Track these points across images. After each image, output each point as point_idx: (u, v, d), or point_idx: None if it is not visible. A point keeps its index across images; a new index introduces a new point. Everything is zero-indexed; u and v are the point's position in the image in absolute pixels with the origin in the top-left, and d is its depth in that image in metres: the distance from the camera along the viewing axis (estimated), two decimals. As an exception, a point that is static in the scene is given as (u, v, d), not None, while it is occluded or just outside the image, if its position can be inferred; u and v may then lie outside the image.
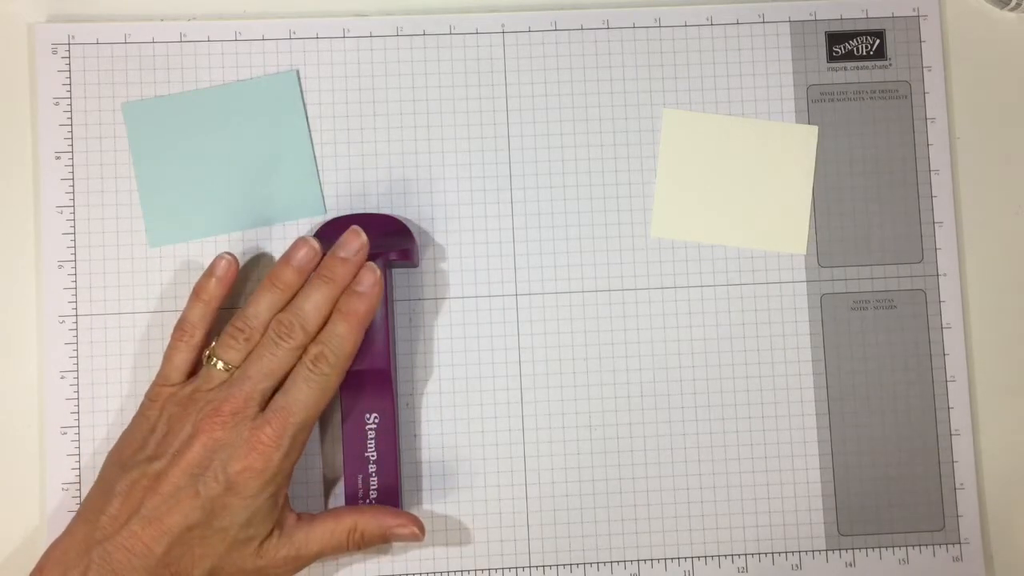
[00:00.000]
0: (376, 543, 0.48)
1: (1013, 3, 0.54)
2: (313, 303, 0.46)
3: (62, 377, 0.51)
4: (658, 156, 0.53)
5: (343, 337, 0.46)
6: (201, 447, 0.44)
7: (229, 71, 0.52)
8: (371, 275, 0.47)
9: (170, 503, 0.44)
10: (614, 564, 0.51)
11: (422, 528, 0.48)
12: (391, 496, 0.49)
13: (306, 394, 0.45)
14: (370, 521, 0.47)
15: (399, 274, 0.52)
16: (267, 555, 0.46)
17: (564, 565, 0.51)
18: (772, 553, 0.52)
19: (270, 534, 0.46)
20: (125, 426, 0.47)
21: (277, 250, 0.52)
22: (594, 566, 0.51)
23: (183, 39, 0.52)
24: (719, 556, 0.52)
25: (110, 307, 0.51)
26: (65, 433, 0.50)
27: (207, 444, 0.44)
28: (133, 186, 0.52)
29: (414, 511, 0.51)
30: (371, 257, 0.48)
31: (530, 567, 0.51)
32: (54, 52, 0.52)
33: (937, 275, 0.53)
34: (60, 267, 0.51)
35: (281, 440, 0.45)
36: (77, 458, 0.50)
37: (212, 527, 0.44)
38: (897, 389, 0.53)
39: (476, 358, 0.52)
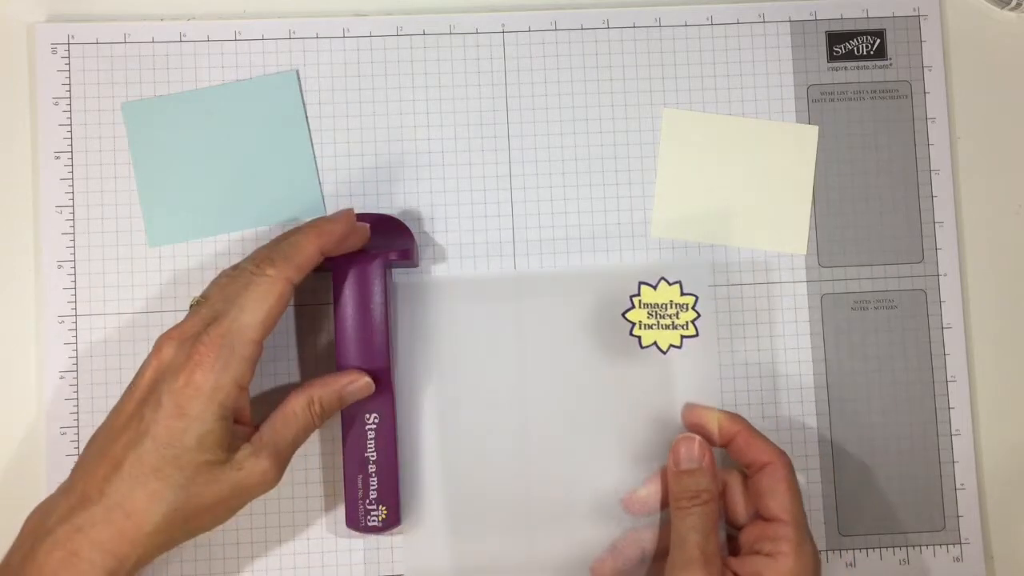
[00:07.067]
0: (336, 408, 0.47)
1: (1013, 3, 0.54)
2: (291, 240, 0.45)
3: (61, 377, 0.51)
4: (658, 156, 0.53)
5: (296, 244, 0.45)
6: (152, 371, 0.43)
7: (229, 71, 0.52)
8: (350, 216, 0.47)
9: (118, 432, 0.43)
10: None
11: (369, 382, 0.47)
12: (390, 496, 0.49)
13: (244, 298, 0.43)
14: (323, 389, 0.46)
15: (399, 274, 0.52)
16: (246, 467, 0.43)
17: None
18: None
19: (236, 449, 0.44)
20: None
21: (277, 250, 0.52)
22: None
23: (183, 39, 0.52)
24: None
25: (110, 307, 0.51)
26: (64, 433, 0.50)
27: (156, 367, 0.43)
28: (133, 186, 0.52)
29: (413, 511, 0.51)
30: (371, 257, 0.48)
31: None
32: (54, 52, 0.52)
33: (937, 275, 0.53)
34: (60, 267, 0.51)
35: (219, 351, 0.42)
36: (76, 459, 0.50)
37: (162, 456, 0.42)
38: (897, 389, 0.53)
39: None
